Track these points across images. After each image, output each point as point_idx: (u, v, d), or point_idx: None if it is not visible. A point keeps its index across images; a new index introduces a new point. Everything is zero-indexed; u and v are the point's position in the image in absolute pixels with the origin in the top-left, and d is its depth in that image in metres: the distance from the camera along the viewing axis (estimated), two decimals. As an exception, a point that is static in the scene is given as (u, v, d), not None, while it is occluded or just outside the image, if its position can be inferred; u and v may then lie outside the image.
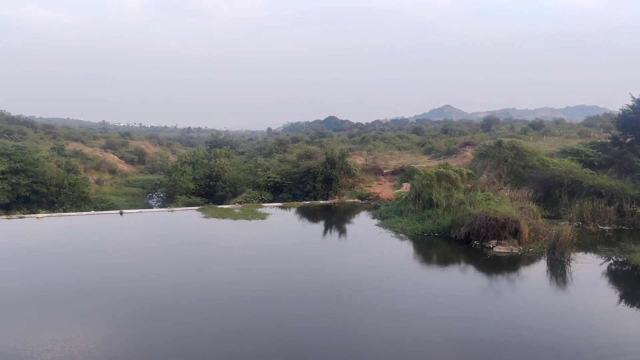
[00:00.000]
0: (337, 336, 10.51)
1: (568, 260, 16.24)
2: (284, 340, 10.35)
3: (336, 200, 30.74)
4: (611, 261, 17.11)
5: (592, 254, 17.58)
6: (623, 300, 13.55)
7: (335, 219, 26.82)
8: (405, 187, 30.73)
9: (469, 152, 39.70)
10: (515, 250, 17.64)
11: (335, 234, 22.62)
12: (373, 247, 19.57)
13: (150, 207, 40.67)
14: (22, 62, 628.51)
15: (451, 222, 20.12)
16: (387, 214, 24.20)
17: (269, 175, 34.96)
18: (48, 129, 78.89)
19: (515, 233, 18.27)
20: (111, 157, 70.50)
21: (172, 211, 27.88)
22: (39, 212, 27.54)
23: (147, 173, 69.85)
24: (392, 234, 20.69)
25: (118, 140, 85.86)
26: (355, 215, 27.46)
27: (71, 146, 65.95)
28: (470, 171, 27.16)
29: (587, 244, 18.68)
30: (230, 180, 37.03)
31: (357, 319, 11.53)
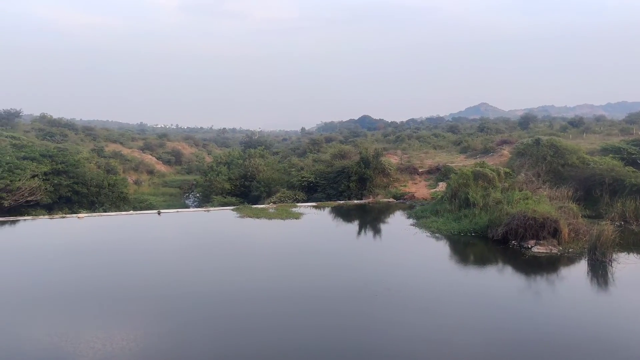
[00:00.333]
0: (374, 335, 10.50)
1: (610, 260, 15.78)
2: (325, 338, 10.43)
3: (370, 199, 30.65)
4: (656, 262, 16.53)
5: (635, 255, 17.01)
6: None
7: (369, 218, 26.74)
8: (441, 186, 30.46)
9: (506, 151, 39.11)
10: (554, 250, 17.24)
11: (370, 233, 22.54)
12: (408, 247, 19.43)
13: (187, 207, 41.43)
14: (63, 67, 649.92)
15: (488, 221, 19.81)
16: (423, 214, 24.00)
17: (302, 175, 35.12)
18: (88, 131, 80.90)
19: (555, 233, 17.86)
20: (149, 158, 71.97)
21: (208, 211, 28.31)
22: (80, 212, 28.34)
23: (183, 173, 71.17)
24: (428, 234, 20.51)
25: (155, 141, 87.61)
26: (390, 215, 27.31)
27: (110, 147, 67.58)
28: (507, 170, 26.73)
29: (630, 244, 18.08)
30: (265, 180, 37.36)
31: (394, 318, 11.47)
